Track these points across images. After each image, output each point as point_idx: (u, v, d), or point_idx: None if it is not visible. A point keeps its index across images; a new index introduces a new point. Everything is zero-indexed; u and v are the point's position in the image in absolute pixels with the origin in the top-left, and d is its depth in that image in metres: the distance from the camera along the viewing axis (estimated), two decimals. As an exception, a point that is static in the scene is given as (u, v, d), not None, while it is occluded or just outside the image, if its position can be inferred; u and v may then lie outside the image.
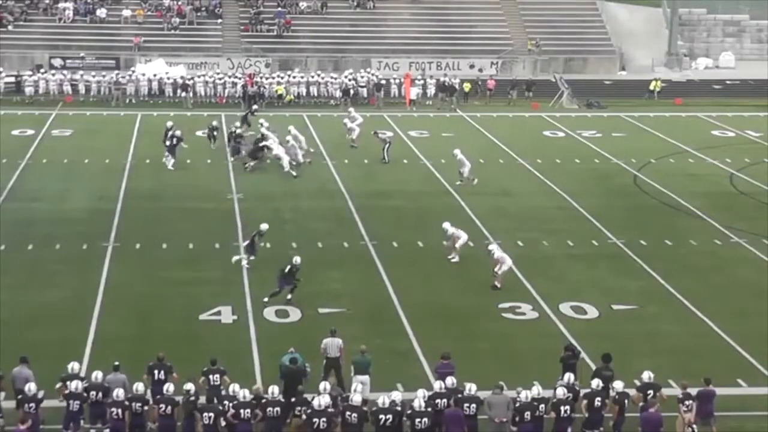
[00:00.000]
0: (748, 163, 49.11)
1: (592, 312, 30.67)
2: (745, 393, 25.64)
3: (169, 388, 22.51)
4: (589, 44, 75.74)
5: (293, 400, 22.56)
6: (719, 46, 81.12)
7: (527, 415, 22.30)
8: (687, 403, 22.90)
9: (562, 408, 22.47)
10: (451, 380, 23.12)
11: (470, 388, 22.68)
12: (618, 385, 23.17)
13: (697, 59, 78.45)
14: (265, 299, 30.40)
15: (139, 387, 22.53)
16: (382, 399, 22.03)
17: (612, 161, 49.16)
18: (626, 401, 22.91)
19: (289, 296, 30.55)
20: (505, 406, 22.59)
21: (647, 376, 23.39)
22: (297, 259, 30.82)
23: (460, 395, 22.63)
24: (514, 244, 36.26)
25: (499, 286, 31.90)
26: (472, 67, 70.92)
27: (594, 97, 64.92)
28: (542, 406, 22.51)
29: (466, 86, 64.37)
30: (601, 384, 23.09)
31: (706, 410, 23.10)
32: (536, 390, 22.78)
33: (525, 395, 22.54)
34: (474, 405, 22.48)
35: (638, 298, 31.74)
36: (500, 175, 45.97)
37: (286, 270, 30.52)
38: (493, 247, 33.13)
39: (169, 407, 22.14)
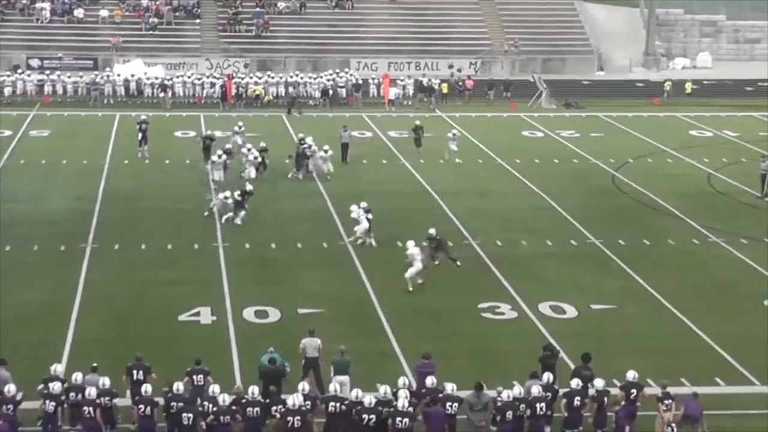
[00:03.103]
0: (726, 163, 49.34)
1: (571, 312, 30.76)
2: (724, 392, 25.76)
3: (147, 388, 22.45)
4: (567, 44, 75.96)
5: (268, 400, 22.56)
6: (696, 46, 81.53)
7: (509, 414, 22.34)
8: (666, 402, 23.01)
9: (537, 405, 22.51)
10: (431, 380, 23.15)
11: (452, 388, 22.73)
12: (598, 383, 23.24)
13: (674, 59, 78.82)
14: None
15: (105, 382, 22.51)
16: (369, 398, 22.05)
17: (590, 161, 49.31)
18: (606, 399, 22.98)
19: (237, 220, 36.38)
20: (485, 406, 22.64)
21: (632, 375, 23.46)
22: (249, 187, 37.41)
23: (441, 394, 22.68)
24: (493, 244, 36.34)
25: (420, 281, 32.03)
26: (450, 67, 71.01)
27: (572, 97, 65.14)
28: (522, 405, 22.57)
29: (444, 87, 64.45)
30: (580, 383, 23.16)
31: (693, 418, 23.16)
32: (517, 389, 22.84)
33: (506, 395, 22.59)
34: (455, 404, 22.52)
35: (617, 297, 31.85)
36: (479, 176, 46.04)
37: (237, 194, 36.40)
38: (408, 244, 32.95)
39: (149, 407, 22.10)
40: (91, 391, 22.19)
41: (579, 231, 38.15)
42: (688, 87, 67.74)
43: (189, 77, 63.97)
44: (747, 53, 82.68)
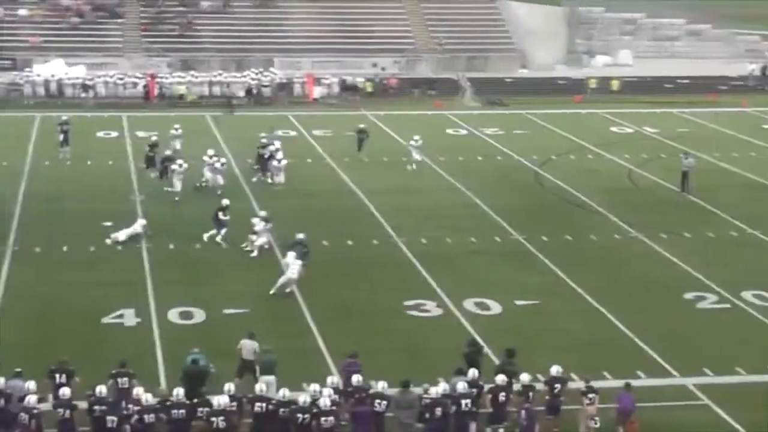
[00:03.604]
0: (646, 159, 50.03)
1: (496, 308, 31.00)
2: (645, 384, 26.12)
3: (65, 391, 22.18)
4: (490, 43, 76.51)
5: (196, 401, 22.46)
6: (617, 43, 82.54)
7: (436, 411, 22.44)
8: (590, 396, 23.27)
9: (463, 402, 22.66)
10: (357, 378, 23.21)
11: (382, 386, 22.80)
12: (524, 377, 23.47)
13: (595, 57, 79.73)
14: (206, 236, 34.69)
15: (30, 386, 22.26)
16: (303, 398, 22.07)
17: (514, 158, 49.71)
18: (531, 394, 23.20)
19: (218, 238, 34.80)
20: (413, 404, 22.74)
21: (555, 370, 23.71)
22: (225, 201, 35.82)
23: (366, 393, 22.74)
24: (418, 241, 36.49)
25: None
26: (374, 65, 71.15)
27: (496, 95, 65.60)
28: (448, 402, 22.70)
29: (368, 86, 64.55)
30: (505, 379, 23.36)
31: (627, 411, 23.40)
32: (442, 386, 22.97)
33: (433, 392, 22.71)
34: (384, 402, 22.59)
35: (540, 293, 32.16)
36: (404, 173, 46.17)
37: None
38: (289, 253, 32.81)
39: (68, 411, 21.87)
40: (31, 399, 21.87)
41: (503, 227, 38.45)
42: (615, 84, 68.45)
43: (111, 77, 63.36)
44: (666, 50, 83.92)
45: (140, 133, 50.60)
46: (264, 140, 45.39)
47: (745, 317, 30.74)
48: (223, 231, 35.81)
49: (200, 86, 63.41)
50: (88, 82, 61.58)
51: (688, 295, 32.18)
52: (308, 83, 64.03)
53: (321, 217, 38.82)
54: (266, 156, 43.96)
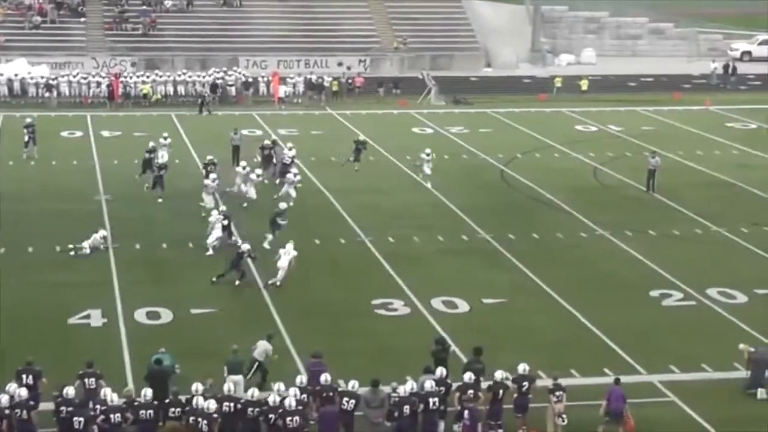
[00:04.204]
0: (611, 157, 50.30)
1: (463, 306, 31.09)
2: (611, 381, 26.15)
3: (21, 392, 22.04)
4: (454, 41, 76.67)
5: (167, 401, 22.39)
6: (580, 42, 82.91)
7: (406, 409, 22.48)
8: (557, 393, 23.38)
9: (430, 400, 22.71)
10: (324, 377, 23.20)
11: (353, 384, 22.81)
12: (498, 374, 23.54)
13: (559, 55, 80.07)
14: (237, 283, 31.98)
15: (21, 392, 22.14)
16: (273, 398, 22.05)
17: (480, 156, 49.84)
18: (501, 391, 23.27)
19: (237, 282, 31.93)
20: (382, 403, 22.77)
21: (522, 368, 23.81)
22: (282, 205, 34.48)
23: (338, 390, 22.76)
24: (385, 240, 36.52)
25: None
26: (340, 65, 71.14)
27: (461, 94, 65.75)
28: (416, 400, 22.75)
29: (334, 85, 64.55)
30: (472, 377, 23.44)
31: (616, 408, 23.50)
32: (410, 385, 23.01)
33: (401, 390, 22.75)
34: (353, 401, 22.60)
35: (507, 291, 32.28)
36: (371, 172, 46.17)
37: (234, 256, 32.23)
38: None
39: (25, 412, 21.73)
40: (3, 399, 21.75)
41: (470, 226, 38.55)
42: (585, 84, 68.73)
43: (75, 76, 62.99)
44: (629, 49, 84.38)
45: (105, 133, 50.25)
46: (267, 141, 45.28)
47: (710, 314, 30.99)
48: (276, 234, 35.35)
49: (165, 85, 63.10)
50: (51, 82, 61.16)
51: (654, 293, 32.39)
52: (274, 82, 63.89)
53: (288, 216, 38.71)
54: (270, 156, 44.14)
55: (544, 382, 24.30)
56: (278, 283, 31.96)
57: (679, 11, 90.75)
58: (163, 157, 43.47)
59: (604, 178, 46.59)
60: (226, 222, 35.49)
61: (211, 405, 21.80)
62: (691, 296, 32.16)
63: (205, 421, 21.56)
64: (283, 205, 36.16)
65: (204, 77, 63.58)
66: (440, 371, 23.85)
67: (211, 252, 34.77)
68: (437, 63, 74.08)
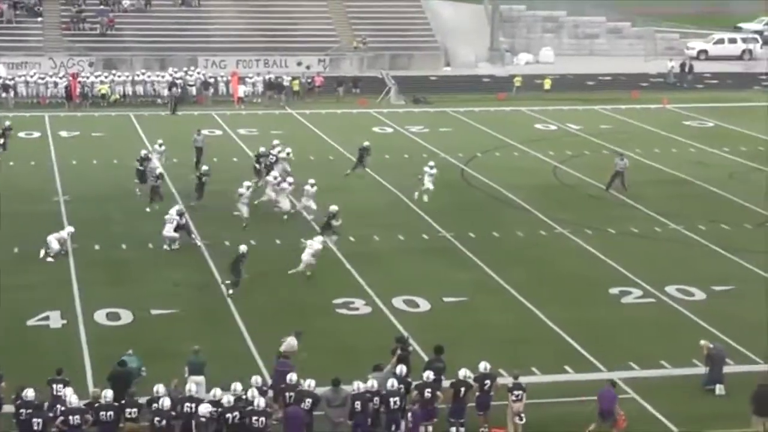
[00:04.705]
0: (570, 156, 50.58)
1: (424, 305, 31.17)
2: (572, 379, 26.51)
3: None
4: (414, 41, 76.73)
5: (123, 402, 22.33)
6: (539, 41, 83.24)
7: (357, 404, 22.54)
8: (516, 393, 23.44)
9: (391, 399, 22.74)
10: (290, 377, 23.19)
11: (309, 384, 22.81)
12: (461, 372, 23.61)
13: (518, 55, 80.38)
14: (230, 292, 31.33)
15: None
16: (227, 398, 22.00)
17: (440, 156, 49.92)
18: (463, 389, 23.34)
19: (230, 291, 31.35)
20: (344, 402, 22.78)
21: (483, 366, 23.90)
22: (243, 248, 31.81)
23: (297, 390, 22.77)
24: (346, 239, 36.52)
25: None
26: (299, 64, 71.02)
27: (420, 93, 65.86)
28: (376, 399, 22.78)
29: (294, 84, 64.48)
30: (432, 375, 23.50)
31: (607, 409, 23.60)
32: (371, 383, 23.04)
33: (356, 386, 22.78)
34: (309, 400, 22.58)
35: (468, 290, 32.39)
36: (331, 172, 46.11)
37: (233, 260, 31.53)
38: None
39: None
40: None
41: (430, 225, 38.63)
42: (547, 83, 68.98)
43: (32, 76, 62.51)
44: (587, 48, 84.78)
45: (63, 133, 49.84)
46: (262, 149, 44.20)
47: (669, 311, 31.25)
48: (334, 238, 35.37)
49: (123, 85, 62.76)
50: (8, 82, 60.66)
51: (614, 290, 32.62)
52: (233, 82, 63.72)
53: (250, 216, 38.65)
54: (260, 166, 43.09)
55: (506, 380, 24.39)
56: (308, 273, 32.63)
57: (636, 10, 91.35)
58: (157, 167, 42.27)
59: (563, 177, 46.84)
60: (183, 221, 35.36)
61: (202, 408, 21.78)
62: (650, 294, 32.41)
63: (164, 422, 21.49)
64: (334, 207, 35.96)
65: (163, 78, 63.29)
66: (400, 369, 23.91)
67: (167, 247, 34.65)
68: (397, 62, 74.14)
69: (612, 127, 58.09)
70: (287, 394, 22.86)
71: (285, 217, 38.64)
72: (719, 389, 25.72)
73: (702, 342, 26.52)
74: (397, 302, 31.20)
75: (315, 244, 33.12)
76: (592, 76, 73.89)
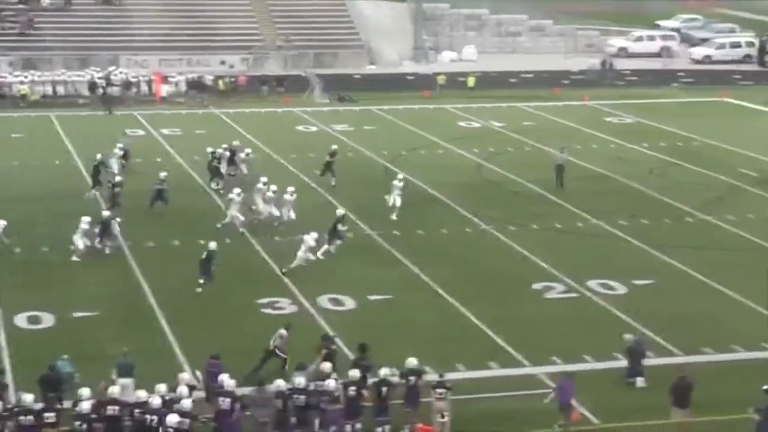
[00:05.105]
0: (494, 153, 50.95)
1: (350, 303, 31.23)
2: (497, 375, 26.70)
3: None
4: (338, 39, 76.80)
5: (42, 407, 22.11)
6: (462, 39, 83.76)
7: (290, 405, 22.50)
8: (439, 391, 23.52)
9: (298, 397, 22.72)
10: (221, 378, 23.09)
11: (227, 384, 22.75)
12: (382, 372, 23.67)
13: (442, 53, 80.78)
14: (198, 290, 31.23)
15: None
16: (155, 400, 21.89)
17: (365, 154, 50.03)
18: (384, 388, 23.40)
19: (198, 289, 31.16)
20: (268, 402, 22.75)
21: (410, 362, 24.02)
22: (212, 245, 31.76)
23: (219, 389, 22.72)
24: (271, 239, 36.43)
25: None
26: (222, 63, 70.72)
27: (345, 91, 65.89)
28: (301, 396, 22.77)
29: (219, 83, 64.18)
30: (359, 374, 23.56)
31: (566, 402, 23.87)
32: (298, 380, 23.04)
33: (276, 384, 22.74)
34: (227, 400, 22.49)
35: (394, 287, 32.48)
36: (255, 172, 45.92)
37: (203, 257, 31.49)
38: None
39: None
40: None
41: (355, 223, 38.64)
42: (471, 81, 69.36)
43: (-50, 77, 61.62)
44: (509, 46, 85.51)
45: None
46: (218, 150, 43.74)
47: (591, 306, 31.63)
48: (338, 243, 34.96)
49: (43, 85, 61.99)
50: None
51: (537, 286, 32.94)
52: (155, 81, 63.23)
53: (172, 217, 38.45)
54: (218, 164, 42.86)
55: (434, 377, 24.47)
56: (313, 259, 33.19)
57: (558, 9, 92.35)
58: (115, 170, 41.76)
59: (487, 174, 47.17)
60: (102, 226, 34.85)
61: (85, 406, 21.62)
62: (572, 288, 32.78)
63: (84, 425, 21.32)
64: (341, 211, 35.95)
65: (84, 77, 62.61)
66: (327, 366, 23.94)
67: (77, 249, 34.27)
68: (321, 61, 74.14)
69: (534, 123, 58.62)
70: (220, 399, 22.66)
71: (275, 223, 37.74)
72: (640, 382, 26.10)
73: (626, 336, 26.88)
74: (323, 301, 31.22)
75: (309, 240, 33.30)
76: (514, 74, 74.56)
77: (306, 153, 49.35)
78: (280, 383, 22.88)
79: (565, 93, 68.17)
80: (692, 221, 40.30)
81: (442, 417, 23.27)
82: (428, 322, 30.04)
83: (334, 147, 45.35)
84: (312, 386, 23.07)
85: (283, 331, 26.27)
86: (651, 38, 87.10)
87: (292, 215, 37.67)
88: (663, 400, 23.98)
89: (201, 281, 31.60)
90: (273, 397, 22.74)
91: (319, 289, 31.97)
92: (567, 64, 78.55)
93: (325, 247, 34.70)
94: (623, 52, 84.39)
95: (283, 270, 33.14)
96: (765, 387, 23.04)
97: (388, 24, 79.52)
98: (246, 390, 23.32)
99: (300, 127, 56.69)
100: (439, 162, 49.16)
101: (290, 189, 38.22)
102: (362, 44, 76.88)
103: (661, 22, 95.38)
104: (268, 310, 30.59)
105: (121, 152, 44.09)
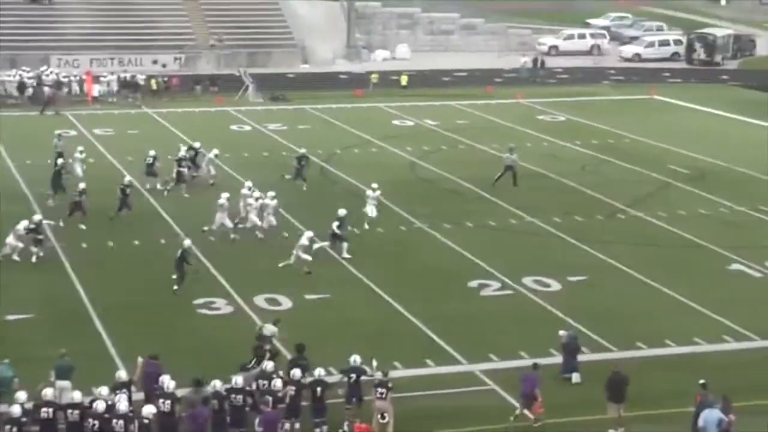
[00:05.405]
0: (427, 151, 51.17)
1: (286, 303, 31.22)
2: (434, 372, 26.87)
3: None
4: (271, 38, 76.64)
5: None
6: (395, 38, 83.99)
7: (217, 404, 22.52)
8: (379, 390, 23.55)
9: (235, 396, 22.70)
10: (162, 379, 22.99)
11: (167, 385, 22.66)
12: (316, 372, 23.72)
13: (375, 51, 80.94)
14: (175, 287, 31.36)
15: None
16: (99, 403, 21.75)
17: (299, 153, 49.89)
18: (319, 388, 23.41)
19: (175, 287, 31.24)
20: (204, 402, 22.66)
21: (353, 359, 24.13)
22: (187, 242, 31.92)
23: (159, 391, 22.63)
24: (205, 239, 36.29)
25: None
26: (155, 62, 70.24)
27: (279, 91, 65.76)
28: (239, 396, 22.73)
29: (152, 83, 63.73)
30: (299, 373, 23.57)
31: (528, 392, 24.18)
32: (235, 380, 23.01)
33: (212, 385, 22.74)
34: (168, 402, 22.43)
35: (330, 286, 32.52)
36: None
37: (178, 255, 31.45)
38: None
39: None
40: None
41: (290, 223, 38.62)
42: (404, 79, 69.51)
43: None
44: (442, 45, 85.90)
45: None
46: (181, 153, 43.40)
47: (526, 302, 31.93)
48: (345, 245, 35.14)
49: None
50: None
51: (473, 283, 33.17)
52: (87, 81, 62.62)
53: (106, 218, 38.12)
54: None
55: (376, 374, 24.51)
56: (305, 269, 33.21)
57: (489, 7, 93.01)
58: (80, 175, 41.10)
59: (421, 172, 47.37)
60: (33, 233, 34.37)
61: (16, 410, 21.42)
62: (507, 286, 33.05)
63: (15, 429, 21.14)
64: (342, 211, 35.78)
65: (13, 77, 61.83)
66: (270, 366, 23.93)
67: (7, 252, 33.86)
68: (254, 60, 73.92)
69: (468, 122, 58.94)
70: (160, 401, 22.54)
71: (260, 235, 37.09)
72: (575, 377, 26.40)
73: (561, 332, 27.16)
74: (259, 301, 31.17)
75: (303, 239, 33.46)
76: (447, 72, 74.96)
77: (240, 152, 49.20)
78: (216, 383, 22.85)
79: (498, 91, 68.60)
80: (624, 218, 40.82)
81: (383, 418, 23.29)
82: (365, 320, 30.13)
83: (303, 150, 44.81)
84: (254, 386, 23.11)
85: (273, 328, 26.46)
86: (582, 36, 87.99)
87: (273, 221, 37.27)
88: (598, 395, 24.29)
89: (174, 277, 31.57)
90: (210, 398, 22.69)
91: (255, 288, 31.92)
92: (499, 63, 79.10)
93: (321, 244, 34.93)
94: (554, 51, 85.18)
95: (280, 264, 33.50)
96: (702, 381, 23.46)
97: (321, 23, 79.52)
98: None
99: (234, 127, 56.49)
100: (373, 160, 49.26)
101: (270, 193, 37.97)
102: (295, 43, 76.78)
103: (591, 21, 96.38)
104: (204, 311, 30.50)
105: (82, 155, 43.61)
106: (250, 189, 38.38)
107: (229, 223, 36.71)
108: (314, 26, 78.76)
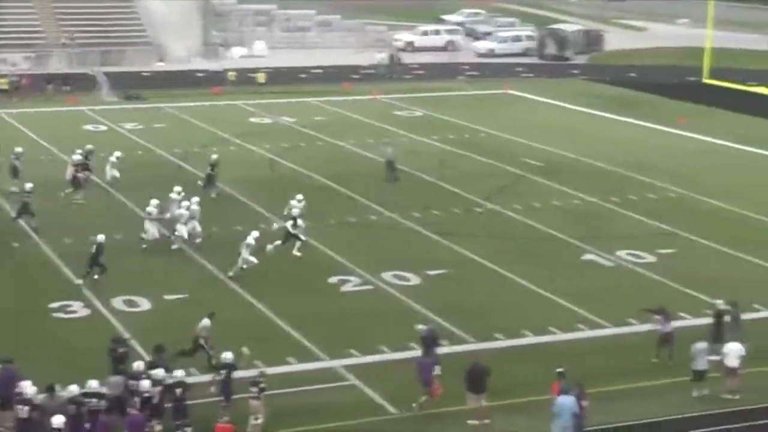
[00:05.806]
0: (286, 148, 51.12)
1: (145, 305, 30.86)
2: (295, 370, 26.92)
3: None
4: (125, 36, 75.60)
5: None
6: (252, 35, 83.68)
7: (74, 409, 22.15)
8: (252, 389, 23.50)
9: (93, 400, 22.52)
10: (23, 384, 22.52)
11: (27, 391, 22.21)
12: (177, 373, 23.56)
13: (231, 49, 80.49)
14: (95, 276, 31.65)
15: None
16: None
17: (156, 152, 49.42)
18: (181, 389, 23.25)
19: (96, 275, 31.59)
20: (60, 408, 22.27)
21: (225, 356, 24.15)
22: (100, 237, 32.12)
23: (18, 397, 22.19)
24: (61, 241, 35.64)
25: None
26: (4, 62, 68.55)
27: (134, 89, 64.86)
28: (94, 400, 22.43)
29: (3, 83, 62.19)
30: (162, 374, 23.36)
31: (426, 378, 24.58)
32: (92, 383, 22.69)
33: (74, 390, 22.42)
34: (26, 408, 21.99)
35: (190, 286, 32.29)
36: (43, 174, 44.70)
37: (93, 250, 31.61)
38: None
39: None
40: None
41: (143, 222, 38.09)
42: (262, 77, 69.20)
43: None
44: (298, 41, 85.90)
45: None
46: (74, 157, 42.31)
47: (386, 297, 32.19)
48: (298, 244, 35.25)
49: None
50: None
51: (333, 280, 33.30)
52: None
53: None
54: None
55: (250, 373, 24.41)
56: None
57: (345, 4, 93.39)
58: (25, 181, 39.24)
59: (280, 169, 47.29)
60: None
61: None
62: (367, 281, 33.27)
63: None
64: (296, 211, 35.94)
65: None
66: (140, 366, 23.71)
67: None
68: (108, 58, 72.82)
69: (326, 118, 59.08)
70: (18, 407, 22.06)
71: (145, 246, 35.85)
72: (435, 370, 26.69)
73: (418, 327, 27.38)
74: (117, 303, 30.75)
75: (249, 239, 33.16)
76: (304, 69, 75.00)
77: (96, 152, 48.20)
78: (72, 388, 22.49)
79: (355, 88, 68.88)
80: (481, 211, 41.46)
81: (256, 419, 23.24)
82: (225, 319, 29.74)
83: (215, 157, 43.66)
84: (123, 387, 22.89)
85: (206, 322, 26.42)
86: (436, 32, 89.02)
87: (198, 227, 36.31)
88: (459, 387, 24.62)
89: (88, 271, 31.67)
90: (66, 403, 22.31)
91: (112, 290, 31.47)
92: (356, 59, 79.44)
93: (277, 243, 35.07)
94: (410, 47, 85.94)
95: (229, 274, 32.86)
96: (559, 369, 24.02)
97: (176, 20, 78.68)
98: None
99: (89, 126, 55.49)
100: (231, 158, 48.84)
101: (195, 199, 37.00)
102: (150, 41, 75.86)
103: (446, 17, 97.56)
104: (60, 314, 29.95)
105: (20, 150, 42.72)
106: (179, 194, 37.51)
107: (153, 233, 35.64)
108: (169, 24, 77.89)
